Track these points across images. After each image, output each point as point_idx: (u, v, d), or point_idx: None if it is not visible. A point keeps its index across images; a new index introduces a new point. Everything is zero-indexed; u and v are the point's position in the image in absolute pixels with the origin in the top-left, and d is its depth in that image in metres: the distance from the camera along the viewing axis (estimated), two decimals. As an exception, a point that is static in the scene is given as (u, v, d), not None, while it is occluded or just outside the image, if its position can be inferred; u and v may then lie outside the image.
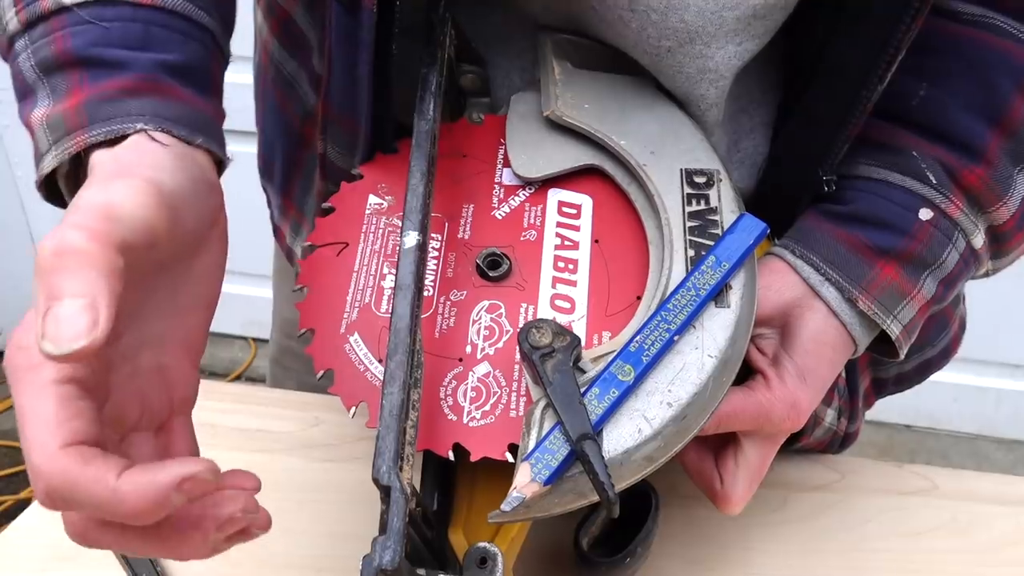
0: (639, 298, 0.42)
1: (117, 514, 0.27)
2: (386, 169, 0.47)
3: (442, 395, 0.39)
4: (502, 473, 0.37)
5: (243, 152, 0.60)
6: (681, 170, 0.44)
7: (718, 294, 0.40)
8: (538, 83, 0.49)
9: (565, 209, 0.45)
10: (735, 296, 0.40)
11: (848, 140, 0.44)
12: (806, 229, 0.45)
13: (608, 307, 0.42)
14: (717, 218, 0.42)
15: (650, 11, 0.42)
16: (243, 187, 0.68)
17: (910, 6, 0.39)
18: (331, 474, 0.57)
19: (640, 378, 0.37)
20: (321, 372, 0.40)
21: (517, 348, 0.38)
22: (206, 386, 0.65)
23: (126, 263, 0.28)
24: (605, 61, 0.49)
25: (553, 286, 0.42)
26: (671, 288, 0.40)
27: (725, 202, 0.43)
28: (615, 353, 0.38)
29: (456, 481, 0.42)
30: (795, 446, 0.56)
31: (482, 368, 0.40)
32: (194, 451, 0.36)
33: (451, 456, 0.38)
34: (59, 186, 0.37)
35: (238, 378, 2.01)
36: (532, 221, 0.45)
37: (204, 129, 0.37)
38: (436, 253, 0.44)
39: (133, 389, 0.33)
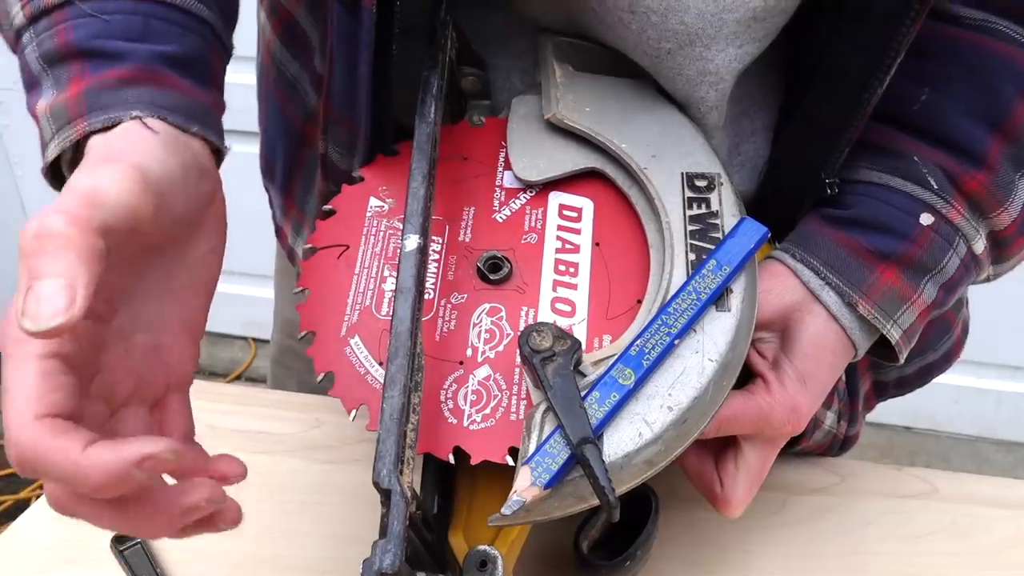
0: (640, 302, 0.42)
1: (81, 486, 0.28)
2: (387, 172, 0.47)
3: (443, 398, 0.39)
4: (502, 476, 0.37)
5: (244, 152, 0.60)
6: (682, 173, 0.44)
7: (719, 298, 0.40)
8: (539, 86, 0.49)
9: (566, 212, 0.45)
10: (736, 300, 0.40)
11: (849, 143, 0.44)
12: (807, 233, 0.45)
13: (609, 311, 0.42)
14: (718, 222, 0.42)
15: (650, 13, 0.42)
16: (244, 188, 0.68)
17: (910, 8, 0.39)
18: (332, 476, 0.57)
19: (641, 382, 0.37)
20: (322, 374, 0.40)
21: (518, 351, 0.38)
22: (206, 387, 0.66)
23: (109, 246, 0.30)
24: (606, 64, 0.49)
25: (554, 289, 0.42)
26: (672, 292, 0.40)
27: (726, 206, 0.43)
28: (616, 357, 0.38)
29: (456, 484, 0.42)
30: (795, 449, 0.56)
31: (483, 371, 0.40)
32: (189, 428, 0.37)
33: (451, 459, 0.38)
34: (64, 173, 0.38)
35: (238, 378, 2.01)
36: (533, 224, 0.45)
37: (201, 118, 0.38)
38: (437, 256, 0.44)
39: (126, 366, 0.34)
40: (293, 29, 0.53)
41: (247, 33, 0.51)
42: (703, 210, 0.43)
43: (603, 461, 0.34)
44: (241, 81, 0.55)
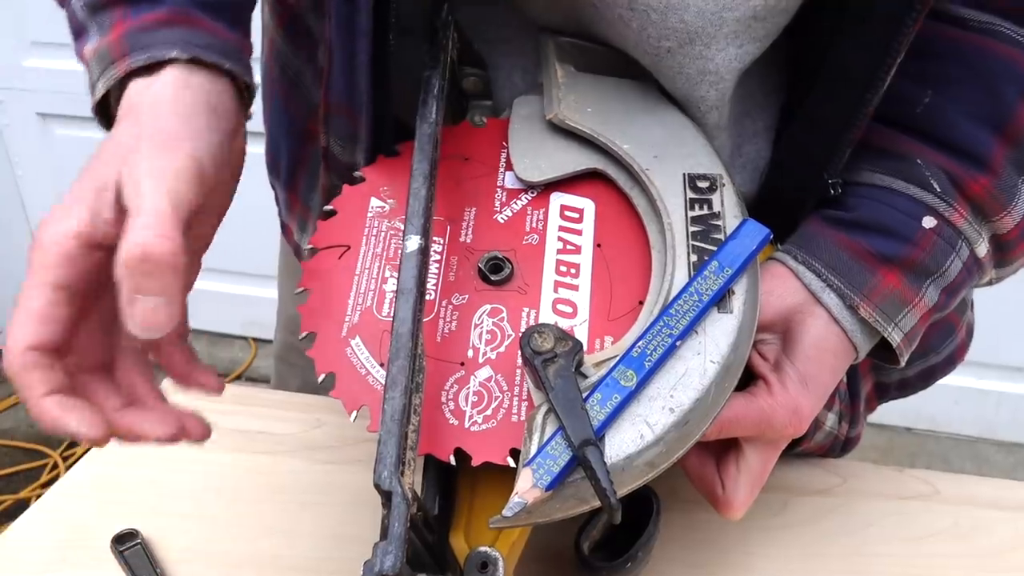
0: (641, 303, 0.42)
1: (36, 418, 0.35)
2: (388, 172, 0.47)
3: (444, 399, 0.39)
4: (503, 478, 0.37)
5: (247, 152, 0.60)
6: (684, 174, 0.44)
7: (721, 299, 0.40)
8: (540, 85, 0.49)
9: (567, 213, 0.45)
10: (738, 301, 0.40)
11: (851, 143, 0.44)
12: (809, 235, 0.45)
13: (610, 312, 0.42)
14: (720, 223, 0.42)
15: (650, 10, 0.42)
16: (244, 189, 0.68)
17: (912, 8, 0.39)
18: (333, 476, 0.57)
19: (642, 383, 0.37)
20: (323, 375, 0.40)
21: (519, 353, 0.38)
22: (207, 388, 0.66)
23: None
24: (608, 65, 0.49)
25: (555, 290, 0.42)
26: (673, 293, 0.40)
27: (728, 207, 0.43)
28: (617, 358, 0.38)
29: (457, 485, 0.42)
30: (796, 450, 0.56)
31: (484, 372, 0.40)
32: (182, 328, 0.41)
33: (452, 461, 0.38)
34: (111, 111, 0.42)
35: (238, 378, 2.01)
36: (534, 225, 0.45)
37: (231, 56, 0.42)
38: (438, 257, 0.44)
39: None
40: (296, 24, 0.53)
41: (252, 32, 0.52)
42: (705, 211, 0.43)
43: (604, 463, 0.34)
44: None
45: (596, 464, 0.34)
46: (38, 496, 1.43)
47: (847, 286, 0.42)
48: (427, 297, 0.42)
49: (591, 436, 0.35)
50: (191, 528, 0.53)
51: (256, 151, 0.63)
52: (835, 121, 0.43)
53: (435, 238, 0.44)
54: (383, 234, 0.45)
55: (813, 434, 0.55)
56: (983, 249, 0.44)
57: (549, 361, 0.36)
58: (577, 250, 0.44)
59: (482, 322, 0.41)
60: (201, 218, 0.39)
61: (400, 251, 0.39)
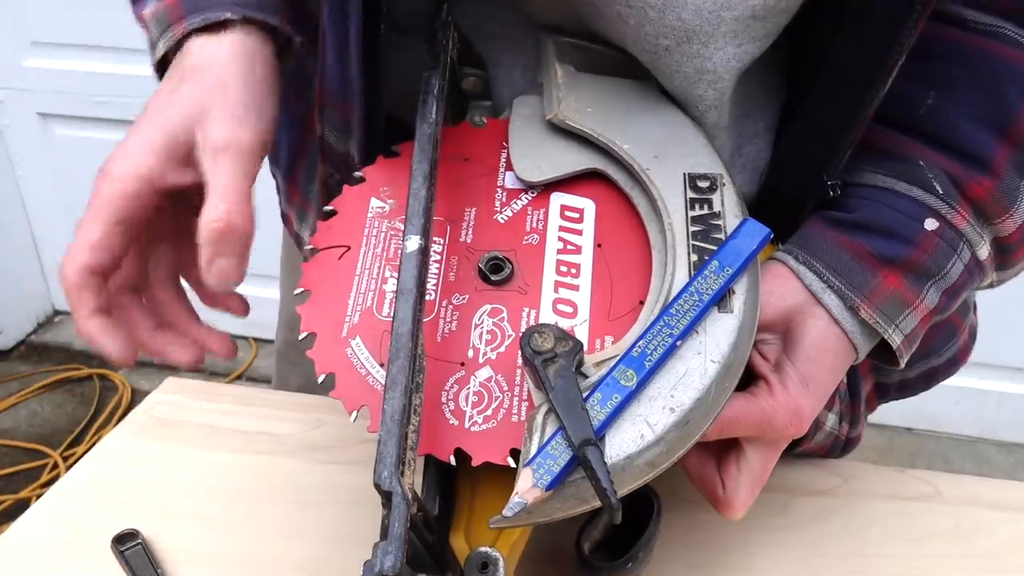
0: (642, 303, 0.42)
1: (78, 329, 0.41)
2: (388, 172, 0.47)
3: (444, 399, 0.39)
4: (504, 478, 0.37)
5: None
6: (684, 174, 0.44)
7: (721, 299, 0.40)
8: (540, 85, 0.49)
9: (567, 213, 0.45)
10: (738, 301, 0.40)
11: (851, 145, 0.44)
12: (810, 235, 0.45)
13: (610, 312, 0.42)
14: (720, 223, 0.42)
15: (647, 8, 0.42)
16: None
17: (912, 9, 0.38)
18: (333, 476, 0.57)
19: (643, 383, 0.37)
20: (323, 376, 0.40)
21: (519, 353, 0.38)
22: (207, 387, 0.66)
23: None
24: (608, 65, 0.49)
25: (555, 290, 0.42)
26: (674, 293, 0.40)
27: (728, 207, 0.43)
28: (617, 358, 0.38)
29: (457, 486, 0.42)
30: (796, 451, 0.56)
31: (484, 372, 0.40)
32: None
33: (453, 461, 0.38)
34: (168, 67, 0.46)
35: (239, 378, 2.01)
36: (534, 225, 0.45)
37: (274, 12, 0.46)
38: (438, 257, 0.44)
39: (172, 217, 0.45)
40: (297, 9, 0.53)
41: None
42: (705, 211, 0.43)
43: (605, 463, 0.34)
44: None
45: (596, 464, 0.34)
46: (38, 496, 1.43)
47: (848, 287, 0.42)
48: (427, 297, 0.42)
49: (591, 436, 0.35)
50: (191, 528, 0.53)
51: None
52: (835, 122, 0.43)
53: (435, 238, 0.44)
54: (383, 234, 0.45)
55: (813, 434, 0.55)
56: (984, 252, 0.44)
57: (549, 361, 0.36)
58: (577, 250, 0.44)
59: (482, 322, 0.41)
60: None
61: (400, 251, 0.39)
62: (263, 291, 0.48)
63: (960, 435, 1.84)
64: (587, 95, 0.47)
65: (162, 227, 0.45)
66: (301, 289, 0.43)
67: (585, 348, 0.38)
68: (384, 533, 0.31)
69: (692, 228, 0.42)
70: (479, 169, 0.47)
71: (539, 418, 0.36)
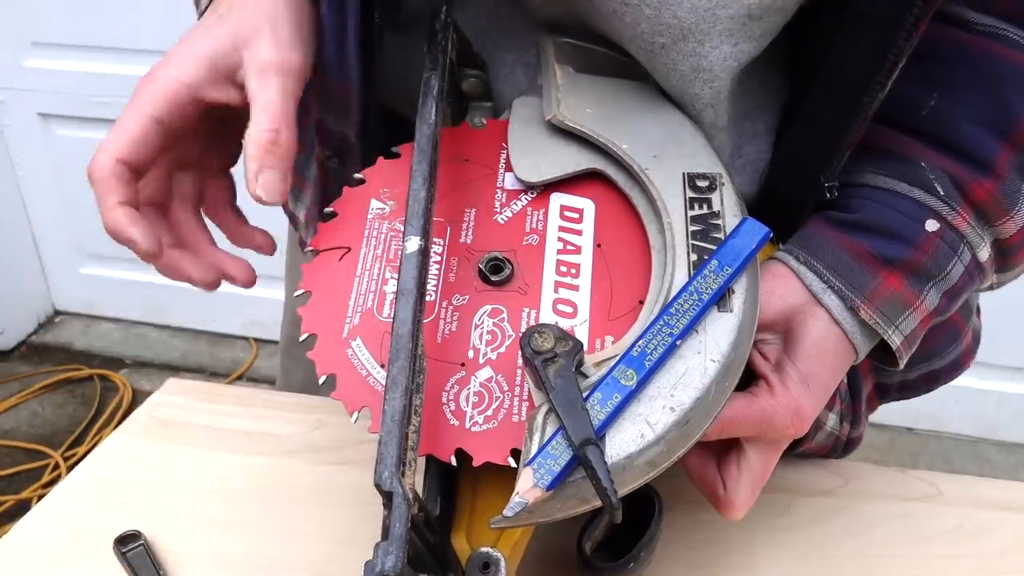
0: (641, 302, 0.42)
1: (103, 219, 0.42)
2: (388, 174, 0.47)
3: (444, 400, 0.39)
4: (504, 478, 0.37)
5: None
6: (683, 174, 0.44)
7: (721, 298, 0.40)
8: (540, 86, 0.49)
9: (567, 213, 0.45)
10: (738, 300, 0.40)
11: (850, 146, 0.44)
12: (810, 235, 0.45)
13: (610, 311, 0.42)
14: (720, 222, 0.42)
15: (643, 5, 0.42)
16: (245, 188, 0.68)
17: (910, 10, 0.38)
18: (334, 477, 0.57)
19: (643, 383, 0.37)
20: (323, 377, 0.40)
21: (519, 353, 0.38)
22: (208, 388, 0.66)
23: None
24: (607, 66, 0.49)
25: (555, 290, 0.42)
26: (674, 292, 0.40)
27: (728, 206, 0.43)
28: (617, 358, 0.38)
29: (458, 486, 0.42)
30: (797, 451, 0.56)
31: (484, 373, 0.40)
32: (229, 193, 0.50)
33: (453, 461, 0.38)
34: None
35: (239, 378, 2.01)
36: (534, 225, 0.45)
37: None
38: (438, 258, 0.44)
39: (198, 143, 0.47)
40: None
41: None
42: (705, 210, 0.43)
43: (605, 462, 0.34)
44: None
45: (597, 463, 0.34)
46: (39, 497, 1.43)
47: (848, 287, 0.42)
48: (427, 298, 0.42)
49: (592, 435, 0.35)
50: (193, 529, 0.53)
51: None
52: (833, 123, 0.43)
53: (435, 239, 0.44)
54: (383, 235, 0.45)
55: (814, 435, 0.55)
56: (985, 253, 0.44)
57: (549, 361, 0.36)
58: (577, 250, 0.44)
59: (482, 323, 0.41)
60: None
61: (400, 252, 0.39)
62: (263, 291, 0.48)
63: (961, 435, 1.84)
64: (586, 96, 0.47)
65: (189, 151, 0.46)
66: (302, 291, 0.43)
67: (585, 348, 0.38)
68: (385, 533, 0.31)
69: (691, 228, 0.42)
70: (479, 170, 0.47)
71: (539, 418, 0.36)
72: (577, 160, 0.46)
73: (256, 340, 2.07)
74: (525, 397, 0.39)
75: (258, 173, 0.41)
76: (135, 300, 2.10)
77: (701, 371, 0.38)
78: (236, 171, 0.51)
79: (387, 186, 0.46)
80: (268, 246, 0.49)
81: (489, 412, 0.39)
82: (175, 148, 0.45)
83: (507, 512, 0.34)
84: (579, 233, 0.44)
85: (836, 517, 0.55)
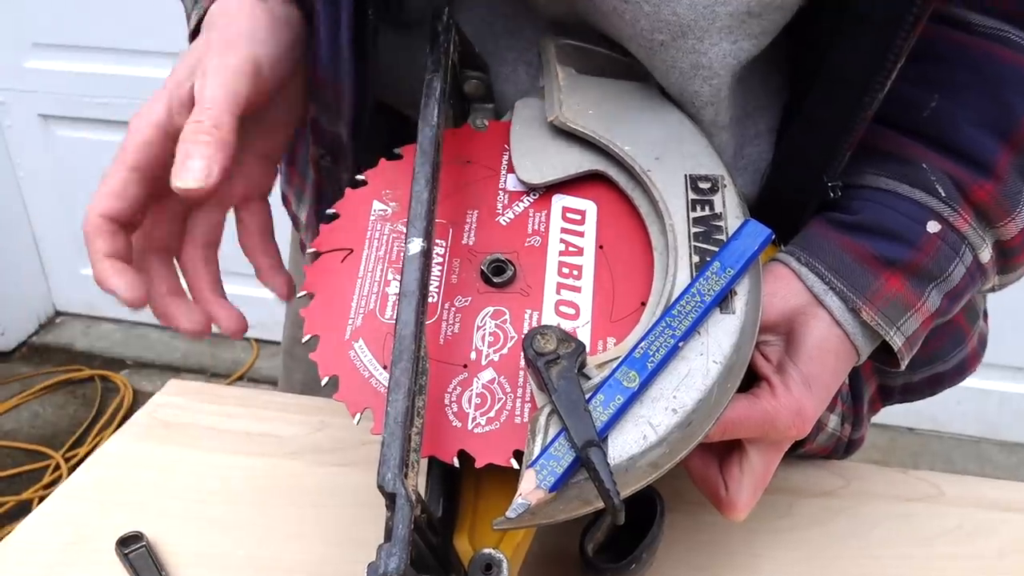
0: (644, 304, 0.42)
1: (95, 275, 0.42)
2: (390, 175, 0.47)
3: (447, 401, 0.39)
4: (507, 479, 0.37)
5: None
6: (686, 176, 0.44)
7: (723, 300, 0.40)
8: (542, 88, 0.49)
9: (569, 215, 0.45)
10: (740, 302, 0.40)
11: (850, 147, 0.44)
12: (812, 236, 0.45)
13: (613, 313, 0.42)
14: (722, 224, 0.42)
15: (643, 2, 0.42)
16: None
17: (910, 10, 0.38)
18: (336, 478, 0.57)
19: (645, 384, 0.37)
20: (326, 378, 0.40)
21: (522, 354, 0.38)
22: (210, 389, 0.66)
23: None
24: (609, 67, 0.49)
25: (557, 292, 0.42)
26: (676, 294, 0.40)
27: (730, 208, 0.43)
28: (620, 359, 0.38)
29: (461, 487, 0.42)
30: (798, 452, 0.56)
31: (487, 374, 0.40)
32: (263, 223, 0.49)
33: (456, 463, 0.38)
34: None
35: (240, 379, 2.01)
36: (536, 227, 0.45)
37: None
38: (440, 259, 0.44)
39: None
40: None
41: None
42: (707, 212, 0.43)
43: (608, 464, 0.34)
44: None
45: (599, 465, 0.34)
46: (40, 498, 1.43)
47: (849, 289, 0.42)
48: (430, 299, 0.42)
49: (594, 437, 0.35)
50: (195, 530, 0.53)
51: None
52: (833, 123, 0.43)
53: (437, 241, 0.44)
54: (385, 237, 0.45)
55: (815, 436, 0.55)
56: (986, 255, 0.44)
57: (552, 363, 0.37)
58: (579, 252, 0.44)
59: (485, 324, 0.41)
60: (268, 118, 0.47)
61: (402, 254, 0.39)
62: (265, 292, 0.48)
63: (962, 435, 1.84)
64: (588, 97, 0.47)
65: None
66: (304, 292, 0.43)
67: (587, 349, 0.38)
68: (388, 535, 0.31)
69: (694, 229, 0.42)
70: (481, 172, 0.47)
71: (542, 419, 0.36)
72: (579, 162, 0.46)
73: (257, 341, 2.07)
74: (527, 399, 0.39)
75: (180, 163, 0.40)
76: (136, 301, 2.10)
77: (703, 373, 0.38)
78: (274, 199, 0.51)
79: (389, 188, 0.46)
80: (284, 291, 0.48)
81: (492, 413, 0.39)
82: (170, 192, 0.44)
83: (510, 513, 0.34)
84: (581, 235, 0.44)
85: (838, 518, 0.55)
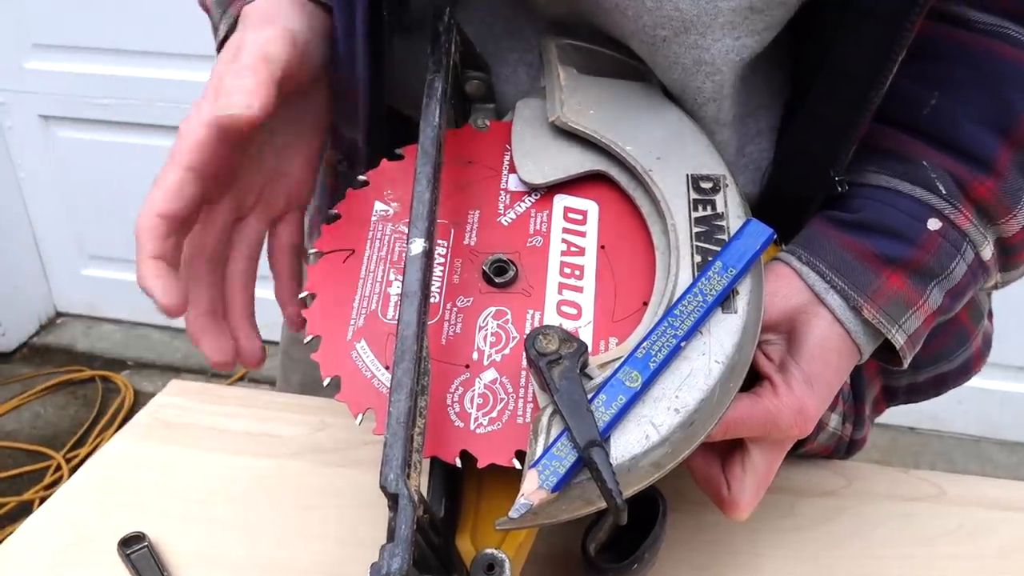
0: (646, 304, 0.42)
1: (138, 271, 0.41)
2: (392, 175, 0.47)
3: (449, 402, 0.39)
4: (509, 479, 0.37)
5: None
6: (687, 175, 0.44)
7: (725, 300, 0.40)
8: (543, 88, 0.49)
9: (571, 215, 0.45)
10: (742, 302, 0.40)
11: (855, 142, 0.44)
12: (813, 235, 0.45)
13: (615, 313, 0.42)
14: (723, 223, 0.42)
15: None
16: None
17: (915, 4, 0.38)
18: (338, 479, 0.57)
19: (647, 384, 0.37)
20: (328, 379, 0.40)
21: (524, 354, 0.38)
22: (211, 390, 0.66)
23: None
24: (610, 67, 0.49)
25: (559, 292, 0.42)
26: (678, 294, 0.40)
27: (731, 207, 0.43)
28: (622, 359, 0.38)
29: (463, 488, 0.42)
30: (799, 451, 0.56)
31: (489, 375, 0.40)
32: (296, 238, 0.50)
33: (458, 463, 0.38)
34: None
35: (241, 379, 2.01)
36: (538, 227, 0.45)
37: None
38: (442, 259, 0.44)
39: (255, 185, 0.48)
40: None
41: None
42: (708, 212, 0.43)
43: (610, 464, 0.34)
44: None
45: (602, 465, 0.34)
46: (42, 499, 1.43)
47: (851, 287, 0.42)
48: (431, 300, 0.42)
49: (596, 437, 0.35)
50: (197, 531, 0.53)
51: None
52: (837, 119, 0.43)
53: (439, 241, 0.44)
54: (387, 237, 0.45)
55: (817, 435, 0.55)
56: (988, 252, 0.44)
57: (554, 363, 0.37)
58: (581, 252, 0.44)
59: (487, 324, 0.41)
60: (307, 120, 0.48)
61: (404, 254, 0.39)
62: (265, 292, 0.48)
63: (963, 434, 1.84)
64: (590, 97, 0.47)
65: (246, 192, 0.47)
66: (306, 292, 0.43)
67: (589, 349, 0.38)
68: (391, 535, 0.31)
69: (695, 229, 0.42)
70: (482, 172, 0.47)
71: (544, 420, 0.36)
72: (581, 162, 0.46)
73: (258, 341, 2.07)
74: (530, 399, 0.39)
75: (218, 98, 0.41)
76: (137, 301, 2.10)
77: (705, 372, 0.38)
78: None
79: (391, 188, 0.46)
80: (294, 322, 0.48)
81: (494, 414, 0.39)
82: (230, 191, 0.45)
83: (512, 514, 0.34)
84: (583, 235, 0.44)
85: (840, 517, 0.55)
